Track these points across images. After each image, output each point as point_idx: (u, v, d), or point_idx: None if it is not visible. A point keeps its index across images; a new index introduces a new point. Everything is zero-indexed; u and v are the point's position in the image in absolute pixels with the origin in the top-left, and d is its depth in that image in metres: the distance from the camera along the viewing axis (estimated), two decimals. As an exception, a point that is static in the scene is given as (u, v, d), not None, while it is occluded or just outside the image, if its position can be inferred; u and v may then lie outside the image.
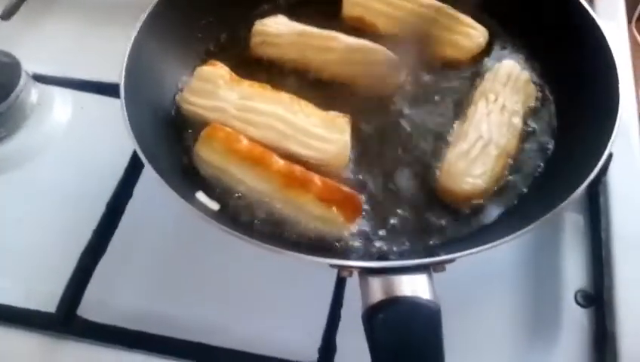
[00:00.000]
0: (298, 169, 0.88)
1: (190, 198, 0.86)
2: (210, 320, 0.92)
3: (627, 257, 0.96)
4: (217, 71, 1.00)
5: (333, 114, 0.95)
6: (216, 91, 0.98)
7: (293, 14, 1.12)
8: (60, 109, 1.18)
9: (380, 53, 1.02)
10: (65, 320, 0.92)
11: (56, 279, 0.95)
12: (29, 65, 1.17)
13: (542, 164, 0.95)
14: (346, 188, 0.88)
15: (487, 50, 1.07)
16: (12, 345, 0.91)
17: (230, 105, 0.97)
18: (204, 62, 1.04)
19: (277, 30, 1.07)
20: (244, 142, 0.91)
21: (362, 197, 0.89)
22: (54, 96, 1.19)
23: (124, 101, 0.90)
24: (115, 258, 0.98)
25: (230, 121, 0.95)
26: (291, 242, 0.86)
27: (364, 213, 0.88)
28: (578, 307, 0.94)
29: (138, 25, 0.98)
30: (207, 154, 0.92)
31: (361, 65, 1.02)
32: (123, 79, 0.92)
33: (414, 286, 0.72)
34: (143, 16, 0.99)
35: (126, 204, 1.02)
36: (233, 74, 1.00)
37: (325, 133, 0.94)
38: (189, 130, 0.99)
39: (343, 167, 0.94)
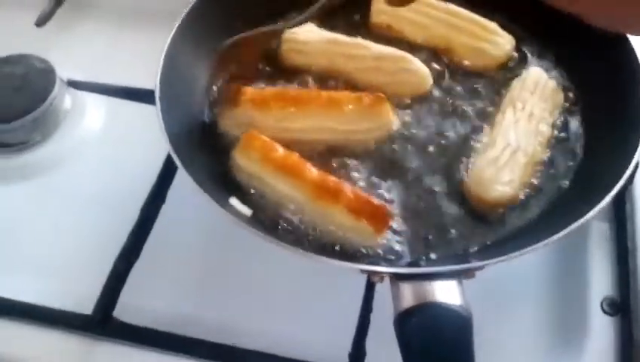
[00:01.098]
0: (331, 180, 0.90)
1: (224, 203, 0.88)
2: (241, 323, 0.94)
3: (654, 265, 0.96)
4: (241, 112, 0.99)
5: (366, 101, 0.97)
6: (251, 121, 0.99)
7: (321, 22, 1.13)
8: (93, 115, 1.21)
9: (409, 62, 1.03)
10: (101, 322, 0.94)
11: (92, 282, 0.97)
12: (63, 71, 1.20)
13: (569, 172, 0.96)
14: (376, 200, 0.89)
15: (514, 58, 1.08)
16: (50, 345, 0.94)
17: (268, 126, 0.98)
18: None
19: (306, 38, 1.09)
20: (280, 151, 0.93)
21: (392, 208, 0.90)
22: (87, 102, 1.22)
23: (159, 106, 0.92)
24: (150, 261, 1.00)
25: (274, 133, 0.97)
26: (323, 247, 0.88)
27: (394, 220, 0.90)
28: (604, 315, 0.94)
29: (172, 31, 1.00)
30: (244, 161, 0.94)
31: (391, 73, 1.03)
32: (158, 85, 0.94)
33: (446, 293, 0.73)
34: (177, 23, 1.02)
35: (159, 208, 1.05)
36: (256, 97, 1.00)
37: (369, 124, 0.97)
38: (223, 136, 1.01)
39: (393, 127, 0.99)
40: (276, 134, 0.97)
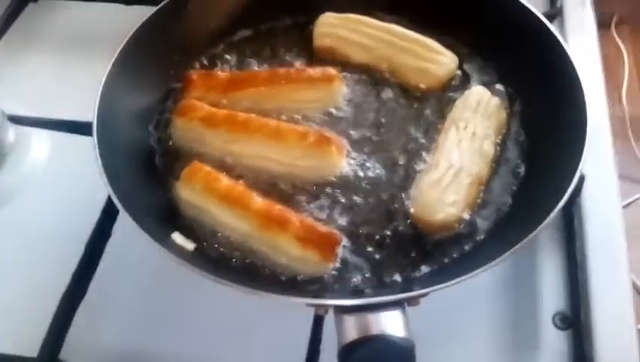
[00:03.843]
0: (276, 208, 0.89)
1: (165, 240, 0.87)
2: (191, 359, 0.93)
3: (603, 279, 0.96)
4: (191, 122, 1.01)
5: (311, 138, 0.96)
6: (200, 137, 1.00)
7: (264, 44, 1.15)
8: (37, 149, 1.19)
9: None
10: (47, 365, 0.92)
11: (37, 323, 0.95)
12: (6, 105, 1.18)
13: (515, 189, 0.96)
14: (323, 228, 0.89)
15: (458, 77, 1.08)
16: (-6, 391, 0.92)
17: (216, 147, 1.00)
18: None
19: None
20: (224, 181, 0.92)
21: (340, 236, 0.89)
22: (32, 137, 1.20)
23: (96, 142, 0.91)
24: (96, 299, 0.98)
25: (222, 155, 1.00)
26: (269, 280, 0.87)
27: (341, 249, 0.89)
28: (556, 330, 0.94)
29: (109, 64, 1.00)
30: (187, 193, 0.93)
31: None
32: (95, 120, 0.94)
33: (388, 324, 0.73)
34: (114, 55, 1.01)
35: (105, 244, 1.02)
36: (207, 116, 1.00)
37: (311, 163, 0.96)
38: (168, 167, 1.00)
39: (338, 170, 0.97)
40: (223, 156, 0.98)
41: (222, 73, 1.08)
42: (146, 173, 0.99)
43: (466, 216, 0.92)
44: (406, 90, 1.07)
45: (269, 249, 0.89)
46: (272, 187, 0.96)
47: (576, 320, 0.94)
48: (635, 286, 1.02)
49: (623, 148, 2.36)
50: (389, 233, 0.91)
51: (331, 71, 1.05)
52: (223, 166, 0.98)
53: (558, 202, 0.84)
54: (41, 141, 1.20)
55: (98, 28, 1.37)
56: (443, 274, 0.85)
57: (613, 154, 1.11)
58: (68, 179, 1.13)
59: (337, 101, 1.05)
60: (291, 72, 1.06)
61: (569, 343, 0.93)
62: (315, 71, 1.05)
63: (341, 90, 1.06)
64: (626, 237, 1.01)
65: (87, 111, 0.96)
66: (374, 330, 0.72)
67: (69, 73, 1.29)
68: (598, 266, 0.97)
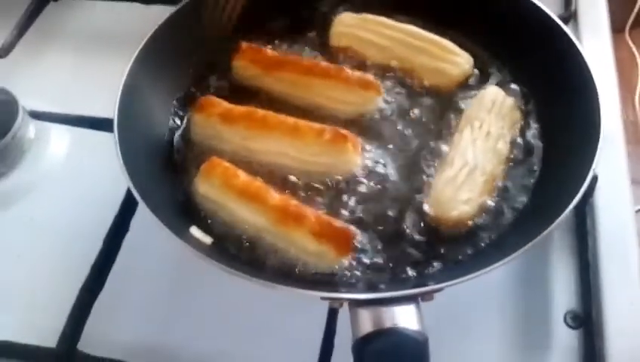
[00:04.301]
0: (293, 204, 0.91)
1: (183, 234, 0.88)
2: (207, 352, 0.94)
3: (615, 278, 0.97)
4: (210, 118, 1.02)
5: (327, 136, 0.97)
6: (218, 134, 1.02)
7: (283, 43, 1.16)
8: (57, 144, 1.21)
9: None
10: (66, 355, 0.94)
11: (56, 314, 0.97)
12: (27, 101, 1.20)
13: (529, 188, 0.97)
14: (339, 223, 0.90)
15: (473, 76, 1.09)
16: (13, 381, 0.93)
17: (234, 142, 1.01)
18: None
19: None
20: (242, 177, 0.94)
21: (355, 232, 0.91)
22: (52, 132, 1.21)
23: (117, 137, 0.93)
24: (114, 292, 1.00)
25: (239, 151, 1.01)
26: (284, 275, 0.88)
27: (357, 244, 0.90)
28: (568, 328, 0.95)
29: (130, 61, 1.01)
30: (205, 189, 0.95)
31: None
32: (116, 116, 0.95)
33: (403, 317, 0.74)
34: (135, 52, 1.02)
35: (123, 238, 1.04)
36: (225, 112, 1.02)
37: (328, 159, 0.98)
38: (186, 163, 1.02)
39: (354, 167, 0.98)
40: (240, 152, 1.00)
41: (270, 51, 1.11)
42: (164, 169, 1.01)
43: (481, 213, 0.93)
44: (422, 90, 1.08)
45: (285, 244, 0.90)
46: (289, 183, 0.98)
47: (587, 319, 0.95)
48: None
49: (635, 154, 2.35)
50: (403, 229, 0.92)
51: (370, 78, 1.06)
52: (240, 162, 0.98)
53: (570, 201, 0.84)
54: (60, 137, 1.21)
55: (117, 27, 1.39)
56: (457, 270, 0.86)
57: (626, 156, 1.12)
58: (86, 174, 1.15)
59: (371, 109, 1.05)
60: (332, 68, 1.07)
61: (580, 342, 0.94)
62: (355, 74, 1.06)
63: (376, 101, 1.05)
64: (639, 242, 1.02)
65: (106, 107, 0.98)
66: (388, 323, 0.73)
67: (88, 71, 1.31)
68: (610, 265, 0.98)
